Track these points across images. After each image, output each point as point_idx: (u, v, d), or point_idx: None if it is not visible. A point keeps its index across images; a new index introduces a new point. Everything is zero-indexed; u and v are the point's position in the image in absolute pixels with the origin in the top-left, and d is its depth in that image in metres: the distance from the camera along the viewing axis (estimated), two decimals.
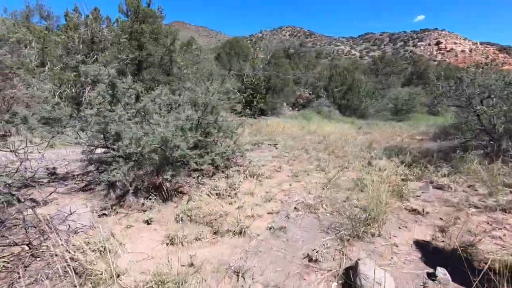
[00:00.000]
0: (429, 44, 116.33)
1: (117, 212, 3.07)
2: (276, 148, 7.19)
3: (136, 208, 3.16)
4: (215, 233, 2.77)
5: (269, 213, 3.29)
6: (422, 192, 4.08)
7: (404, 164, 5.69)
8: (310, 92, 19.05)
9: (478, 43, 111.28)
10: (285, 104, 18.81)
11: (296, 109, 18.90)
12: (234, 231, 2.75)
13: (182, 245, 2.52)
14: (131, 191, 3.25)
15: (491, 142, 5.62)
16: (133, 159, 3.18)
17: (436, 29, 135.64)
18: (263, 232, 2.82)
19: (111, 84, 3.43)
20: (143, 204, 3.20)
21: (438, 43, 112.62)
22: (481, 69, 5.75)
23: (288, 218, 3.18)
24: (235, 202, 3.52)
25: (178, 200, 3.50)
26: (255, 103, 14.26)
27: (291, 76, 14.90)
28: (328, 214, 3.31)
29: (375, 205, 3.02)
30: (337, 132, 10.92)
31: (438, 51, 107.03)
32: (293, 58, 25.51)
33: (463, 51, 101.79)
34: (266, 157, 5.97)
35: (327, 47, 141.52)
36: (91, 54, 8.96)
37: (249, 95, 14.16)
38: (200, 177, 4.18)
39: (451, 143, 7.49)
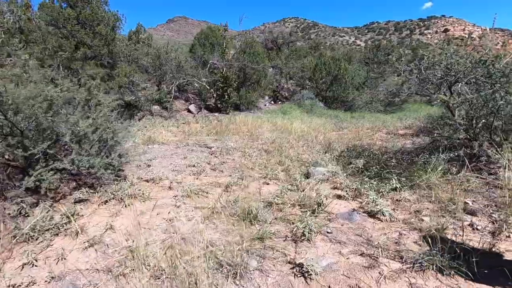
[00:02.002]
0: (436, 32, 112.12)
1: None
2: (212, 151, 5.95)
3: None
4: None
5: None
6: (342, 224, 2.80)
7: (349, 173, 4.41)
8: (294, 84, 17.62)
9: (488, 29, 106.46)
10: (266, 97, 17.48)
11: (280, 102, 17.55)
12: None
13: None
14: None
15: (467, 142, 4.27)
16: None
17: (444, 16, 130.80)
18: None
19: None
20: None
21: (445, 31, 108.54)
22: (455, 46, 4.37)
23: None
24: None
25: None
26: (226, 97, 12.97)
27: (263, 67, 13.50)
28: None
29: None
30: (308, 129, 9.59)
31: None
32: (282, 49, 24.02)
33: (472, 38, 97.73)
34: (176, 166, 4.75)
35: (331, 38, 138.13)
36: (20, 46, 7.80)
37: (218, 89, 12.89)
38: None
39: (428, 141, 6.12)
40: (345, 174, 4.41)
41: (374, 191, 3.52)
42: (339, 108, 16.44)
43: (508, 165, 3.30)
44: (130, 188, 3.40)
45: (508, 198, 2.77)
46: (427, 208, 3.03)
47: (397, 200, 3.34)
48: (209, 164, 4.97)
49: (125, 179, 3.71)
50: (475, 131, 3.96)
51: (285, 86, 17.62)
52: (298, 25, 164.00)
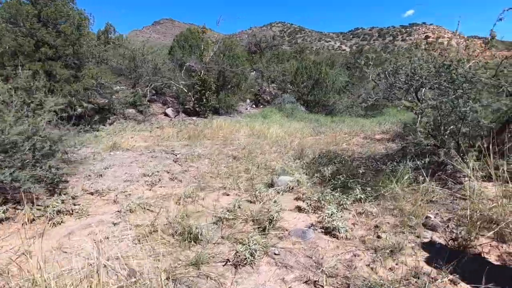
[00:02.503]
0: (418, 39, 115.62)
1: None
2: (176, 158, 5.60)
3: None
4: None
5: None
6: (294, 243, 2.53)
7: (315, 182, 4.18)
8: (277, 88, 17.46)
9: (466, 36, 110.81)
10: (248, 101, 17.24)
11: (261, 106, 17.33)
12: None
13: None
14: None
15: (436, 149, 4.12)
16: None
17: (425, 23, 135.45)
18: None
19: None
20: None
21: (426, 37, 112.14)
22: (423, 50, 4.24)
23: None
24: None
25: None
26: (204, 101, 12.62)
27: (243, 70, 13.25)
28: None
29: None
30: (285, 134, 9.37)
31: (427, 45, 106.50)
32: (265, 52, 23.90)
33: (450, 44, 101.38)
34: (131, 176, 4.38)
35: (317, 43, 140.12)
36: None
37: (196, 92, 12.53)
38: None
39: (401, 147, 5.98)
40: (310, 183, 4.17)
41: (336, 203, 3.28)
42: (321, 112, 16.37)
43: (472, 175, 3.14)
44: (64, 204, 3.02)
45: (470, 211, 2.58)
46: (388, 223, 2.81)
47: (359, 212, 3.12)
48: (168, 172, 4.63)
49: (61, 193, 3.32)
50: (442, 137, 3.81)
51: (267, 89, 17.43)
52: (285, 30, 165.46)
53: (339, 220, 2.75)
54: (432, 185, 3.33)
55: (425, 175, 3.32)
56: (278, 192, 3.77)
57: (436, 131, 4.03)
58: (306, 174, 4.72)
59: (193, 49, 15.16)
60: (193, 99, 12.99)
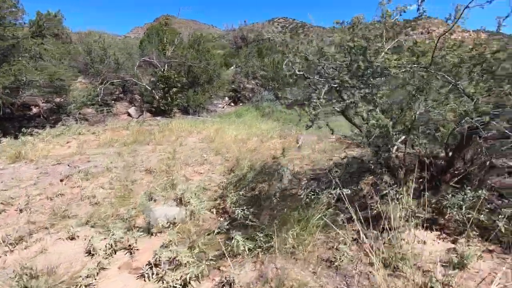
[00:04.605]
0: (422, 33, 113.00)
1: None
2: (67, 175, 4.50)
3: None
4: None
5: None
6: None
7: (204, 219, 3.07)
8: (258, 84, 16.25)
9: (471, 30, 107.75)
10: (226, 98, 16.11)
11: (241, 103, 16.16)
12: None
13: None
14: None
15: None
16: None
17: (429, 17, 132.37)
18: None
19: None
20: None
21: (429, 32, 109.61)
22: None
23: None
24: None
25: None
26: (169, 99, 11.52)
27: (206, 64, 12.08)
28: None
29: None
30: (246, 136, 8.24)
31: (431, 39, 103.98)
32: (250, 47, 22.66)
33: (455, 38, 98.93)
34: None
35: (319, 37, 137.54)
36: None
37: (160, 90, 11.43)
38: None
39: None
40: (207, 215, 3.05)
41: (199, 259, 2.16)
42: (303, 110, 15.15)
43: (404, 221, 1.99)
44: None
45: None
46: None
47: (222, 284, 1.99)
48: (12, 199, 3.51)
49: None
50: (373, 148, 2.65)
51: (248, 86, 16.22)
52: (287, 25, 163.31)
53: None
54: (345, 235, 2.17)
55: (353, 213, 2.18)
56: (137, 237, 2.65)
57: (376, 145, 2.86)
58: (216, 198, 3.61)
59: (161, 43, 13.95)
60: (157, 97, 11.89)
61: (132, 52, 13.57)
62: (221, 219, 3.22)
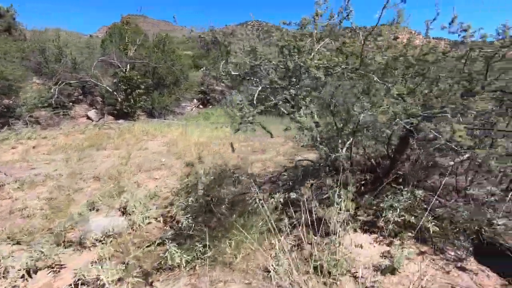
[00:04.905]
0: (395, 38, 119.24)
1: None
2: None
3: None
4: None
5: None
6: None
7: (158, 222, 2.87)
8: (226, 86, 16.10)
9: (431, 37, 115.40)
10: (195, 100, 15.76)
11: (210, 106, 15.89)
12: None
13: None
14: None
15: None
16: None
17: (398, 23, 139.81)
18: None
19: None
20: None
21: (395, 38, 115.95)
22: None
23: None
24: None
25: None
26: (132, 101, 11.00)
27: (180, 67, 11.76)
28: None
29: None
30: (208, 139, 8.04)
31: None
32: (220, 49, 22.41)
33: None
34: None
35: None
36: None
37: (122, 91, 10.89)
38: None
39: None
40: (153, 224, 2.85)
41: (129, 276, 1.97)
42: (273, 113, 15.22)
43: (342, 224, 1.95)
44: None
45: None
46: None
47: None
48: None
49: None
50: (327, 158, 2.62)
51: (217, 88, 16.00)
52: (260, 28, 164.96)
53: None
54: (287, 242, 2.10)
55: (298, 217, 2.10)
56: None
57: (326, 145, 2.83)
58: (167, 206, 3.40)
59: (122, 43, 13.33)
60: (119, 99, 11.31)
61: (94, 52, 12.81)
62: (168, 228, 3.03)
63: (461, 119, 1.83)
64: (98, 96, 13.53)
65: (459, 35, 1.81)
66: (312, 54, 1.82)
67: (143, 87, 11.08)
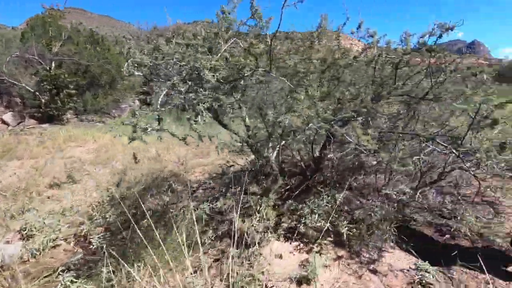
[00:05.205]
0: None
1: None
2: None
3: None
4: None
5: None
6: None
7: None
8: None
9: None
10: (137, 102, 14.72)
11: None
12: None
13: None
14: None
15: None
16: None
17: (336, 31, 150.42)
18: None
19: None
20: None
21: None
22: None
23: None
24: None
25: None
26: (59, 103, 9.77)
27: (116, 66, 10.85)
28: None
29: None
30: (146, 145, 7.43)
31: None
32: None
33: (357, 51, 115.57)
34: None
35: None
36: None
37: (46, 92, 9.60)
38: None
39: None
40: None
41: None
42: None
43: (262, 232, 1.85)
44: None
45: None
46: None
47: None
48: None
49: None
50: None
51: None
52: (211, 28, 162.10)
53: None
54: (208, 259, 1.93)
55: (221, 228, 1.92)
56: None
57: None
58: (82, 222, 2.96)
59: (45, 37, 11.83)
60: (43, 101, 9.96)
61: (11, 46, 11.08)
62: (81, 249, 2.63)
63: (371, 123, 1.87)
64: (16, 97, 11.77)
65: (366, 40, 1.84)
66: (219, 55, 1.69)
67: (72, 87, 9.92)
